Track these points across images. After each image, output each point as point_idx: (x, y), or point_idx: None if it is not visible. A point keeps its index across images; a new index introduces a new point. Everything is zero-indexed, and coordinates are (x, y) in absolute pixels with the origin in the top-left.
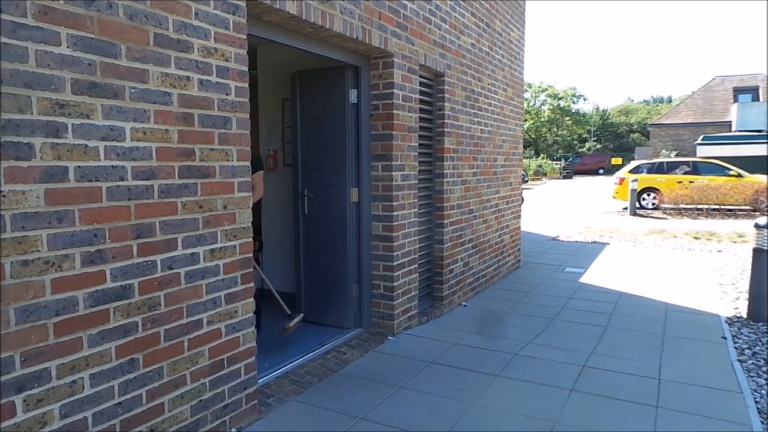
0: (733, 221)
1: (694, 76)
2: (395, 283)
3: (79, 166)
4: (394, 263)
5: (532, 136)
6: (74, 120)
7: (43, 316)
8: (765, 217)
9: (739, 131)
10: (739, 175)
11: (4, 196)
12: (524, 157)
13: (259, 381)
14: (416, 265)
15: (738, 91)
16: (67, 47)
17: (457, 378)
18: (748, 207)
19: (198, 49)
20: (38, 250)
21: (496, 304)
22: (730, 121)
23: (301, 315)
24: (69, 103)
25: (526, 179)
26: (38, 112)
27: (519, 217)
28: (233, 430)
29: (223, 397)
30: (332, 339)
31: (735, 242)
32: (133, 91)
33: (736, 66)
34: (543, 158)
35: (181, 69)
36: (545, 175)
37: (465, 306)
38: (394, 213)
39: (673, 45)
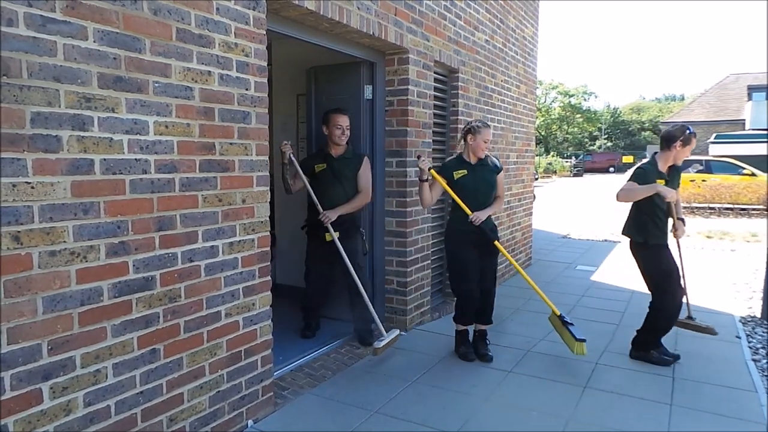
0: (746, 221)
1: (708, 73)
2: (408, 279)
3: (104, 159)
4: (408, 259)
5: (543, 134)
6: (100, 113)
7: (69, 305)
8: None
9: (753, 130)
10: (753, 174)
11: (32, 187)
12: (535, 155)
13: (275, 374)
14: (429, 261)
15: (752, 89)
16: (94, 41)
17: (470, 374)
18: (761, 206)
19: (219, 44)
20: (65, 241)
21: (507, 300)
22: (744, 120)
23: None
24: (95, 97)
25: (537, 177)
26: (66, 106)
27: (531, 214)
28: (249, 421)
29: (240, 388)
30: (346, 334)
31: (748, 242)
32: (156, 85)
33: (751, 64)
34: (553, 156)
35: (202, 64)
36: (555, 172)
37: None
38: (408, 209)
39: (686, 42)
